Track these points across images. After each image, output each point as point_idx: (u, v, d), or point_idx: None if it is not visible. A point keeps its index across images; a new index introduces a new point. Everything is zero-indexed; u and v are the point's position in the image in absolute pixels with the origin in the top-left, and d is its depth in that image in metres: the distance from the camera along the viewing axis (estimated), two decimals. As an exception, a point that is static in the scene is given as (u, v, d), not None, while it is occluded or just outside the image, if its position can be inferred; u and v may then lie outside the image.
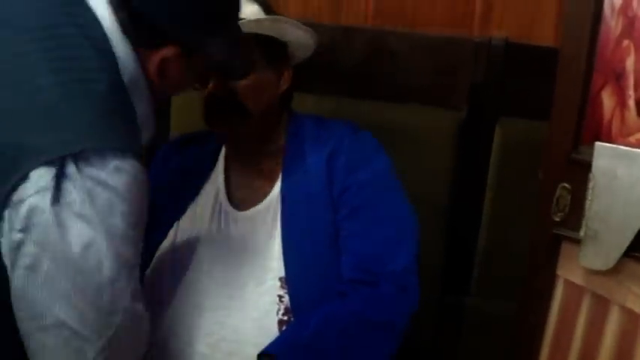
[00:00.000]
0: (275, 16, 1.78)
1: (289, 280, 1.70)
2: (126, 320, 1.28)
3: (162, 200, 1.74)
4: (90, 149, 1.22)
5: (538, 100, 2.00)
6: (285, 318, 1.69)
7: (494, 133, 2.24)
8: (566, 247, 1.62)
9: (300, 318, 1.67)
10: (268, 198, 1.79)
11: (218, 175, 1.86)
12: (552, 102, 1.65)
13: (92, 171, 1.22)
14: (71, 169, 1.20)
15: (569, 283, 1.62)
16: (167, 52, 1.40)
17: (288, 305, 1.69)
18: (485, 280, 2.33)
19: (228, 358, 1.68)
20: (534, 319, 1.69)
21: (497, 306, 2.27)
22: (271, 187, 1.80)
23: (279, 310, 1.70)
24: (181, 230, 1.81)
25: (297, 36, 1.82)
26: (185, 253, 1.70)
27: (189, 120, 1.97)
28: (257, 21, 1.72)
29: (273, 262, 1.73)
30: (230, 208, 1.81)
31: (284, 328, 1.68)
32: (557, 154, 1.62)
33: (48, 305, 1.22)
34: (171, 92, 1.62)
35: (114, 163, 1.23)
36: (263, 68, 1.75)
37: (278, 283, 1.71)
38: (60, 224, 1.20)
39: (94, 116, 1.25)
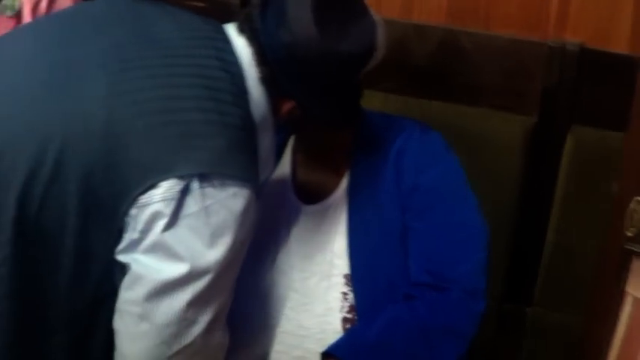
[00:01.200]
0: None
1: (354, 278, 1.70)
2: (204, 332, 1.40)
3: None
4: (215, 173, 1.35)
5: (612, 109, 1.97)
6: (349, 316, 1.69)
7: (566, 141, 2.18)
8: (637, 264, 1.59)
9: (364, 320, 1.66)
10: (335, 193, 1.78)
11: (285, 168, 1.86)
12: (629, 112, 1.60)
13: (212, 191, 1.34)
14: (195, 185, 1.33)
15: (638, 302, 1.59)
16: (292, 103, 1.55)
17: (353, 303, 1.69)
18: (549, 290, 2.27)
19: (291, 351, 1.70)
20: (600, 336, 1.66)
21: (559, 318, 2.25)
22: (338, 182, 1.79)
23: (342, 307, 1.70)
24: None
25: None
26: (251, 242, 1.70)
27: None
28: None
29: (338, 259, 1.73)
30: (296, 201, 1.81)
31: (347, 326, 1.69)
32: (633, 166, 1.58)
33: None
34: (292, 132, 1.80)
35: (233, 189, 1.36)
36: None
37: (343, 280, 1.71)
38: (174, 232, 1.33)
39: (224, 145, 1.37)
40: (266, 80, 1.48)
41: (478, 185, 1.82)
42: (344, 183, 1.78)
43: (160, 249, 1.34)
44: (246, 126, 1.43)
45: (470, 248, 1.72)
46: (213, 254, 1.36)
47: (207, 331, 1.40)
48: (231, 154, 1.38)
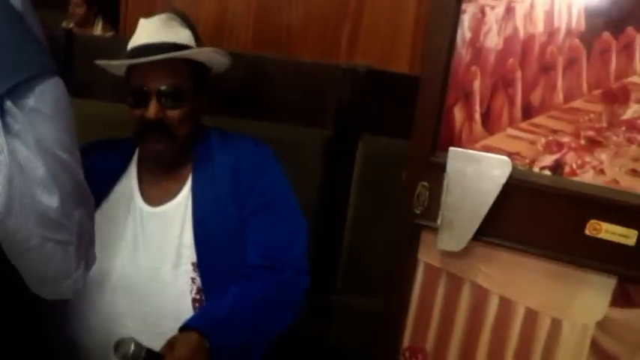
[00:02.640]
0: (213, 48, 2.10)
1: (200, 265, 1.94)
2: (84, 212, 1.42)
3: None
4: (14, 84, 1.30)
5: (395, 119, 2.30)
6: (198, 297, 1.93)
7: (357, 149, 2.51)
8: (425, 235, 1.93)
9: (212, 299, 1.91)
10: (179, 196, 2.03)
11: (131, 177, 2.08)
12: (414, 116, 1.92)
13: (23, 101, 1.31)
14: (8, 104, 1.29)
15: (428, 266, 1.93)
16: None
17: (200, 286, 1.93)
18: (349, 279, 2.58)
19: (152, 329, 1.87)
20: (398, 298, 1.98)
21: (360, 302, 2.54)
22: (182, 186, 2.04)
23: (192, 290, 1.94)
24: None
25: (222, 63, 2.14)
26: (104, 243, 1.87)
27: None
28: (200, 50, 2.06)
29: (185, 250, 1.96)
30: (144, 205, 2.03)
31: (197, 305, 1.92)
32: (418, 158, 1.91)
33: (27, 229, 1.33)
34: None
35: (38, 87, 1.33)
36: (193, 98, 2.04)
37: (191, 268, 1.95)
38: (14, 155, 1.29)
39: (5, 53, 1.31)
40: None
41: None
42: (187, 187, 2.03)
43: (13, 182, 1.29)
44: (10, 19, 1.35)
45: (296, 237, 2.03)
46: (48, 151, 1.33)
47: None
48: (15, 57, 1.32)
